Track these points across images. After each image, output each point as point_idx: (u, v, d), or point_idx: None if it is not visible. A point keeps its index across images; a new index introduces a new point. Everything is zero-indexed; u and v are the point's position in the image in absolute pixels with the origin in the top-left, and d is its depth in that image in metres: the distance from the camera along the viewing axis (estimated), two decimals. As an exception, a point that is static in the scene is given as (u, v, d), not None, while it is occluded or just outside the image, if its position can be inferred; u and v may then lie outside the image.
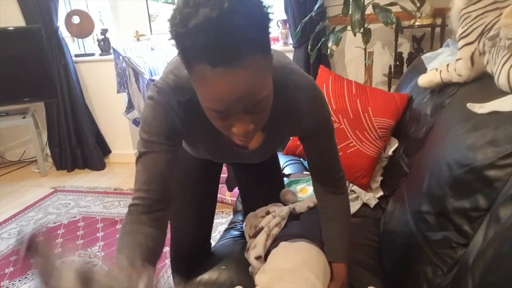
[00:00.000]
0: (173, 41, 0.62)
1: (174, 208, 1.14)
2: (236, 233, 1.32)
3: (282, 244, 0.98)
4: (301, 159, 1.82)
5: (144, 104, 0.82)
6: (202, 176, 1.18)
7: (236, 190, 1.45)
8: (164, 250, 2.06)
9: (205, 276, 1.09)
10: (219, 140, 0.88)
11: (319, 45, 2.42)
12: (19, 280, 1.88)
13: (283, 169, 1.74)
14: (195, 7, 0.57)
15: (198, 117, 0.77)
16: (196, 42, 0.58)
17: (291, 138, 1.10)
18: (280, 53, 0.86)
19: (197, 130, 0.84)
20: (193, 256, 1.19)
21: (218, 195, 2.43)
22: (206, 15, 0.56)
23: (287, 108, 0.83)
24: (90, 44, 3.40)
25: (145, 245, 0.81)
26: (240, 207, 1.52)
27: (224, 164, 1.32)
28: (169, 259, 1.91)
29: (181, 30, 0.59)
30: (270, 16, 0.63)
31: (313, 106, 0.86)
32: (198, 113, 0.75)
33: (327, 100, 1.59)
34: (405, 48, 2.65)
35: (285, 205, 1.21)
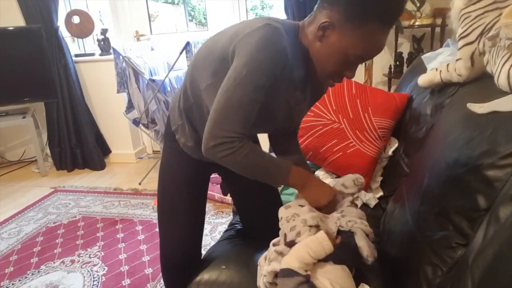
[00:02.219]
0: None
1: (163, 221, 1.18)
2: (236, 233, 1.32)
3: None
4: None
5: (259, 43, 0.79)
6: (191, 187, 1.14)
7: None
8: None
9: (205, 276, 1.09)
10: (286, 95, 0.95)
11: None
12: (19, 280, 1.88)
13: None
14: None
15: (292, 63, 0.88)
16: (380, 5, 0.78)
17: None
18: None
19: (285, 77, 0.89)
20: (184, 267, 1.17)
21: (218, 195, 2.44)
22: None
23: None
24: (90, 44, 3.40)
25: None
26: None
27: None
28: (160, 266, 1.92)
29: None
30: None
31: None
32: (295, 59, 0.88)
33: (326, 100, 1.60)
34: (405, 48, 2.65)
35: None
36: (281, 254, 0.89)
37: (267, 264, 0.90)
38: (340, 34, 0.82)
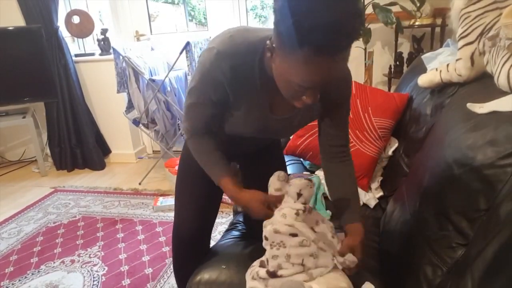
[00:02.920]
0: (287, 18, 0.68)
1: (178, 197, 1.22)
2: (237, 233, 1.32)
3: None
4: (301, 159, 1.82)
5: (200, 65, 0.91)
6: (205, 197, 1.20)
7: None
8: (164, 250, 2.06)
9: (205, 276, 1.09)
10: (258, 107, 0.95)
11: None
12: (19, 280, 1.88)
13: (283, 169, 1.74)
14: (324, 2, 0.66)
15: (245, 83, 0.89)
16: (310, 33, 0.66)
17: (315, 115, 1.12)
18: None
19: (239, 95, 0.92)
20: (193, 246, 1.21)
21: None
22: (334, 16, 0.65)
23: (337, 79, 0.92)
24: (90, 44, 3.40)
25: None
26: (240, 208, 1.52)
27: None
28: (169, 259, 1.92)
29: (294, 18, 0.66)
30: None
31: (348, 73, 0.96)
32: (246, 79, 0.88)
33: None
34: (405, 48, 2.65)
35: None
36: (263, 280, 0.89)
37: (250, 278, 0.93)
38: (279, 58, 0.76)
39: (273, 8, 0.73)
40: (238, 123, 1.00)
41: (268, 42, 0.79)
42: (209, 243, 1.28)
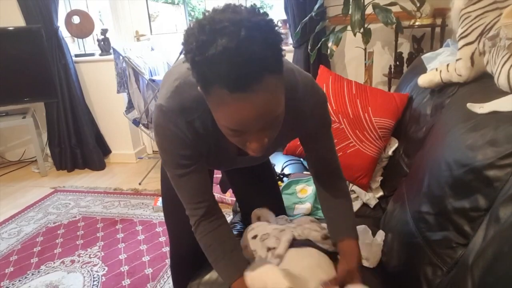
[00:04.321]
0: (187, 64, 0.64)
1: (172, 214, 1.17)
2: (236, 233, 1.32)
3: (292, 250, 0.94)
4: (301, 159, 1.82)
5: (154, 128, 0.84)
6: None
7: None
8: (164, 250, 2.06)
9: (205, 276, 1.09)
10: (223, 151, 0.90)
11: (319, 45, 2.42)
12: (19, 280, 1.88)
13: (282, 169, 1.74)
14: (212, 35, 0.59)
15: (205, 132, 0.82)
16: (215, 70, 0.60)
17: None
18: None
19: (204, 144, 0.85)
20: (193, 262, 1.17)
21: (218, 195, 2.44)
22: (224, 45, 0.58)
23: (294, 111, 0.84)
24: (90, 44, 3.40)
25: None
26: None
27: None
28: (169, 259, 1.92)
29: (198, 58, 0.60)
30: (281, 35, 0.65)
31: (318, 106, 0.89)
32: (206, 129, 0.81)
33: (327, 99, 1.58)
34: (405, 48, 2.65)
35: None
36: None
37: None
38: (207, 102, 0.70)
39: (183, 52, 0.67)
40: (210, 164, 0.97)
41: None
42: None
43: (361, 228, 1.21)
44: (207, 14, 0.63)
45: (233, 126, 0.66)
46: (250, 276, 0.86)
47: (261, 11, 0.64)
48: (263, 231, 1.00)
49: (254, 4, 0.66)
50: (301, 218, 1.10)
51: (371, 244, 1.14)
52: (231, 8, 0.63)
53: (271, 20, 0.63)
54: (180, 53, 2.49)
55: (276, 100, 0.66)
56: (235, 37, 0.58)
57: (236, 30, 0.58)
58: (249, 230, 1.05)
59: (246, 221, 1.35)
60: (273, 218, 1.12)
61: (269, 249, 0.95)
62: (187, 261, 1.20)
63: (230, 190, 1.62)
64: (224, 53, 0.58)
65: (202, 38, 0.60)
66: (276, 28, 0.64)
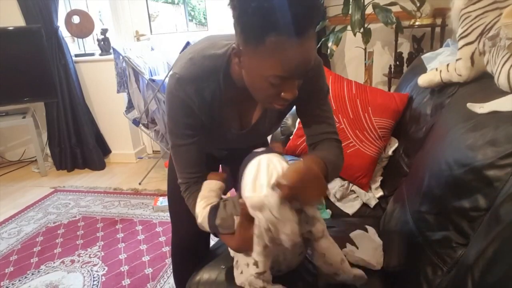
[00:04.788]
0: (237, 18, 0.70)
1: (175, 203, 1.19)
2: (236, 233, 1.32)
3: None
4: (301, 159, 1.82)
5: (165, 96, 0.91)
6: None
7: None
8: (164, 250, 2.06)
9: (205, 276, 1.09)
10: (225, 125, 0.96)
11: (319, 45, 2.42)
12: (19, 280, 1.88)
13: (283, 169, 1.74)
14: None
15: (212, 102, 0.88)
16: (274, 17, 0.65)
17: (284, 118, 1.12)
18: None
19: (208, 113, 0.91)
20: (193, 251, 1.21)
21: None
22: None
23: None
24: (90, 44, 3.40)
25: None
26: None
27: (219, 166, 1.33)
28: (169, 259, 1.92)
29: (254, 4, 0.65)
30: None
31: (321, 69, 0.94)
32: (213, 98, 0.88)
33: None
34: (405, 48, 2.65)
35: None
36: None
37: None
38: (248, 57, 0.75)
39: (231, 3, 0.71)
40: (210, 141, 1.01)
41: (234, 46, 0.77)
42: (208, 245, 1.28)
43: (359, 234, 1.19)
44: None
45: (284, 72, 0.72)
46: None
47: None
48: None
49: None
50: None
51: (375, 248, 1.13)
52: None
53: None
54: (181, 53, 2.49)
55: (315, 49, 0.76)
56: None
57: None
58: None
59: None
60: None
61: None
62: (188, 251, 1.24)
63: (230, 190, 1.62)
64: (286, 1, 0.64)
65: None
66: None
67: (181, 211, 1.15)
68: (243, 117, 0.99)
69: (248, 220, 0.80)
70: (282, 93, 0.77)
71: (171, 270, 1.33)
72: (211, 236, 1.19)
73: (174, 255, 1.30)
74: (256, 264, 0.83)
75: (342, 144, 1.52)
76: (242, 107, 0.96)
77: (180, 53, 2.46)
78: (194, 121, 0.90)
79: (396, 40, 2.54)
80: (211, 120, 0.93)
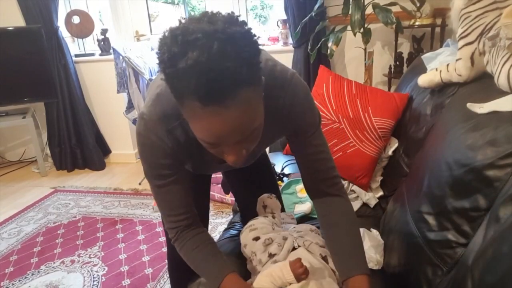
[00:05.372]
0: (165, 71, 0.61)
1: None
2: (235, 232, 1.32)
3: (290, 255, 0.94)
4: None
5: (136, 137, 0.82)
6: (193, 183, 1.16)
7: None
8: (164, 250, 2.06)
9: (205, 276, 1.09)
10: (207, 158, 0.87)
11: (319, 45, 2.42)
12: (19, 280, 1.88)
13: (282, 169, 1.74)
14: (183, 47, 0.56)
15: (187, 140, 0.80)
16: (186, 83, 0.57)
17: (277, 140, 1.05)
18: None
19: (185, 152, 0.84)
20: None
21: (218, 195, 2.44)
22: (195, 59, 0.55)
23: (274, 108, 0.80)
24: (90, 44, 3.40)
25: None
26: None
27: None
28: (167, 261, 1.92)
29: (170, 70, 0.59)
30: (259, 46, 0.62)
31: (298, 99, 0.83)
32: (187, 136, 0.79)
33: (326, 99, 1.58)
34: (405, 48, 2.65)
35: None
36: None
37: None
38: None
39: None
40: (197, 170, 0.95)
41: None
42: None
43: (361, 231, 1.20)
44: (183, 21, 0.61)
45: (207, 139, 0.65)
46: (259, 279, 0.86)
47: (240, 20, 0.62)
48: (266, 235, 0.98)
49: (232, 12, 0.63)
50: (302, 226, 1.08)
51: (376, 246, 1.13)
52: (207, 17, 0.60)
53: (248, 31, 0.61)
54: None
55: (252, 113, 0.63)
56: (207, 51, 0.55)
57: (208, 43, 0.55)
58: (249, 227, 1.03)
59: (246, 222, 1.35)
60: (279, 211, 1.11)
61: (270, 254, 0.94)
62: (184, 264, 1.19)
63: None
64: (195, 67, 0.56)
65: (174, 50, 0.57)
66: (254, 38, 0.61)
67: None
68: None
69: None
70: (224, 155, 0.69)
71: (168, 273, 1.32)
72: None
73: (171, 270, 1.26)
74: None
75: (342, 144, 1.54)
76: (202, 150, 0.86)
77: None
78: (170, 161, 0.81)
79: (396, 40, 2.54)
80: (190, 157, 0.86)
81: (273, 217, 1.08)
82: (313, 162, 0.91)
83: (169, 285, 1.76)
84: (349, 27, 2.24)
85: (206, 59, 0.55)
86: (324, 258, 0.91)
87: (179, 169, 0.85)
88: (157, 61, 0.62)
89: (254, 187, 1.28)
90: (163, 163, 0.82)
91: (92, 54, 3.27)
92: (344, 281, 0.83)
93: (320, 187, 0.92)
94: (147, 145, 0.80)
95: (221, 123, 0.61)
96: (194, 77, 0.56)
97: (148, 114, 0.78)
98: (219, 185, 2.25)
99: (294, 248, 0.95)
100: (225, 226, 1.55)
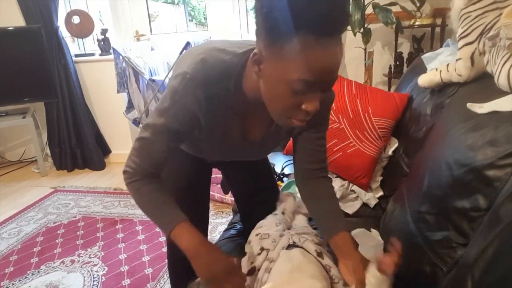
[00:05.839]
0: (261, 17, 0.66)
1: None
2: (235, 233, 1.32)
3: (282, 252, 0.96)
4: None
5: (168, 93, 0.80)
6: (194, 181, 1.16)
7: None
8: (164, 250, 2.06)
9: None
10: (228, 135, 0.89)
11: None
12: (19, 280, 1.88)
13: (282, 169, 1.74)
14: None
15: (219, 111, 0.82)
16: (303, 15, 0.61)
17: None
18: None
19: (212, 124, 0.85)
20: (189, 264, 1.18)
21: (218, 195, 2.44)
22: None
23: None
24: (90, 44, 3.40)
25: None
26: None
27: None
28: (167, 260, 1.92)
29: (273, 4, 0.62)
30: None
31: (326, 102, 0.90)
32: (220, 107, 0.81)
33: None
34: (405, 48, 2.64)
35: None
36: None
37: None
38: (271, 62, 0.69)
39: (258, 4, 0.67)
40: (210, 151, 0.96)
41: (255, 52, 0.72)
42: None
43: (360, 232, 1.20)
44: None
45: (310, 76, 0.66)
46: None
47: None
48: (265, 231, 1.01)
49: None
50: (300, 221, 1.10)
51: (376, 246, 1.13)
52: None
53: None
54: (180, 53, 2.49)
55: (342, 56, 0.69)
56: None
57: None
58: (257, 226, 1.06)
59: (245, 222, 1.35)
60: (291, 208, 1.12)
61: (262, 248, 0.96)
62: (185, 262, 1.19)
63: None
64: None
65: None
66: None
67: None
68: (247, 131, 0.92)
69: None
70: (304, 105, 0.71)
71: (169, 272, 1.32)
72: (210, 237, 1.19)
73: (171, 269, 1.26)
74: None
75: (342, 144, 1.54)
76: (247, 121, 0.90)
77: (180, 53, 2.47)
78: (188, 128, 0.82)
79: (396, 40, 2.53)
80: (213, 128, 0.87)
81: (283, 213, 1.10)
82: (316, 147, 0.97)
83: (169, 285, 1.76)
84: (349, 27, 2.24)
85: None
86: (319, 255, 0.92)
87: (183, 140, 0.87)
88: (257, 2, 0.66)
89: (253, 188, 1.28)
90: (180, 129, 0.81)
91: (92, 54, 3.26)
92: (329, 241, 0.90)
93: (313, 172, 0.99)
94: (178, 103, 0.79)
95: (330, 56, 0.65)
96: (316, 8, 0.60)
97: (192, 74, 0.78)
98: (219, 185, 2.25)
99: (290, 245, 0.96)
100: (225, 226, 1.55)
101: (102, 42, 3.15)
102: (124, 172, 0.86)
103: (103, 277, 1.85)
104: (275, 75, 0.70)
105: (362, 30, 2.24)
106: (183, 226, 0.82)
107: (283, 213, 1.11)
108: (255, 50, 0.72)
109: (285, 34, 0.64)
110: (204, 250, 0.80)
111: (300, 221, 1.11)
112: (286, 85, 0.69)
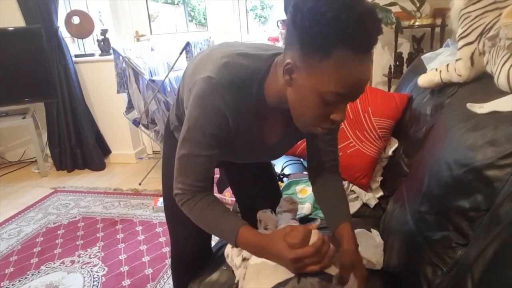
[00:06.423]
0: (300, 30, 0.67)
1: (173, 214, 1.15)
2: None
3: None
4: (301, 159, 1.82)
5: (196, 100, 0.80)
6: None
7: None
8: (164, 250, 2.06)
9: (206, 277, 1.09)
10: (248, 138, 0.90)
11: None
12: (19, 281, 1.88)
13: (282, 169, 1.74)
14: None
15: (240, 115, 0.82)
16: (345, 30, 0.64)
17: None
18: None
19: (238, 127, 0.85)
20: (194, 263, 1.18)
21: (218, 195, 2.44)
22: (361, 10, 0.64)
23: None
24: (90, 44, 3.40)
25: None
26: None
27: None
28: (169, 259, 1.92)
29: (330, 15, 0.64)
30: None
31: None
32: (242, 111, 0.82)
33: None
34: (405, 48, 2.65)
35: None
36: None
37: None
38: (306, 73, 0.70)
39: (297, 15, 0.67)
40: (226, 153, 0.95)
41: (288, 61, 0.72)
42: (210, 250, 1.26)
43: (360, 232, 1.20)
44: None
45: (342, 89, 0.69)
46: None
47: None
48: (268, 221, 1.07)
49: None
50: (285, 219, 1.10)
51: (376, 246, 1.13)
52: None
53: None
54: (180, 53, 2.49)
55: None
56: (367, 4, 0.66)
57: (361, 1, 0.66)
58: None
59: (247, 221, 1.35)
60: (273, 223, 1.11)
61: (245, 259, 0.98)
62: (188, 261, 1.20)
63: (230, 190, 1.62)
64: (363, 16, 0.64)
65: (315, 2, 0.65)
66: None
67: (180, 222, 1.10)
68: (265, 135, 0.93)
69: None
70: (332, 115, 0.74)
71: (171, 271, 1.32)
72: (213, 237, 1.19)
73: (175, 268, 1.26)
74: None
75: (342, 144, 1.54)
76: (266, 124, 0.91)
77: (180, 53, 2.47)
78: (223, 132, 0.83)
79: (396, 40, 2.54)
80: (235, 134, 0.87)
81: (266, 229, 1.07)
82: (329, 147, 1.01)
83: (169, 285, 1.76)
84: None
85: (369, 11, 0.66)
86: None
87: (220, 145, 0.85)
88: (297, 15, 0.67)
89: (255, 188, 1.29)
90: (216, 133, 0.82)
91: (92, 55, 3.27)
92: (334, 231, 0.95)
93: (325, 165, 1.03)
94: (209, 108, 0.79)
95: (363, 72, 0.69)
96: (357, 25, 0.64)
97: (218, 78, 0.78)
98: (215, 183, 2.25)
99: None
100: (225, 226, 1.55)
101: (102, 43, 3.15)
102: (175, 195, 0.88)
103: (103, 278, 1.85)
104: (308, 85, 0.71)
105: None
106: (241, 235, 0.84)
107: (265, 228, 1.09)
108: (288, 60, 0.72)
109: (324, 48, 0.66)
110: (267, 245, 0.81)
111: (285, 218, 1.10)
112: (318, 96, 0.71)
